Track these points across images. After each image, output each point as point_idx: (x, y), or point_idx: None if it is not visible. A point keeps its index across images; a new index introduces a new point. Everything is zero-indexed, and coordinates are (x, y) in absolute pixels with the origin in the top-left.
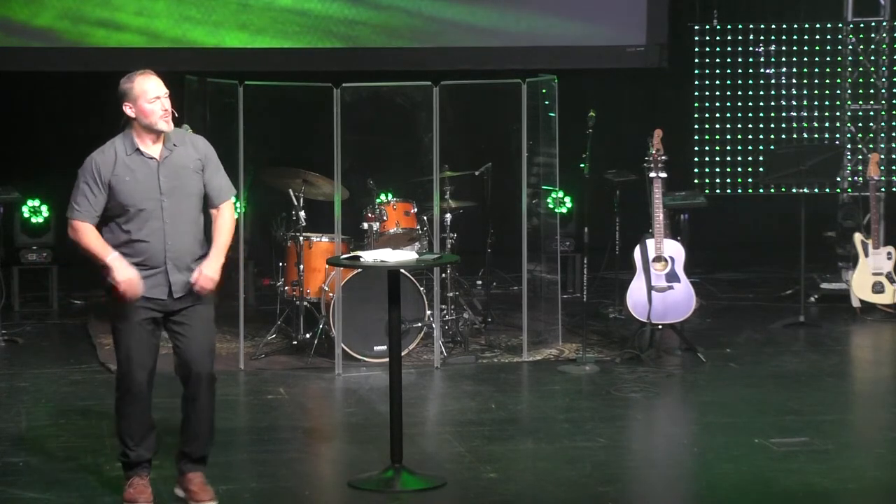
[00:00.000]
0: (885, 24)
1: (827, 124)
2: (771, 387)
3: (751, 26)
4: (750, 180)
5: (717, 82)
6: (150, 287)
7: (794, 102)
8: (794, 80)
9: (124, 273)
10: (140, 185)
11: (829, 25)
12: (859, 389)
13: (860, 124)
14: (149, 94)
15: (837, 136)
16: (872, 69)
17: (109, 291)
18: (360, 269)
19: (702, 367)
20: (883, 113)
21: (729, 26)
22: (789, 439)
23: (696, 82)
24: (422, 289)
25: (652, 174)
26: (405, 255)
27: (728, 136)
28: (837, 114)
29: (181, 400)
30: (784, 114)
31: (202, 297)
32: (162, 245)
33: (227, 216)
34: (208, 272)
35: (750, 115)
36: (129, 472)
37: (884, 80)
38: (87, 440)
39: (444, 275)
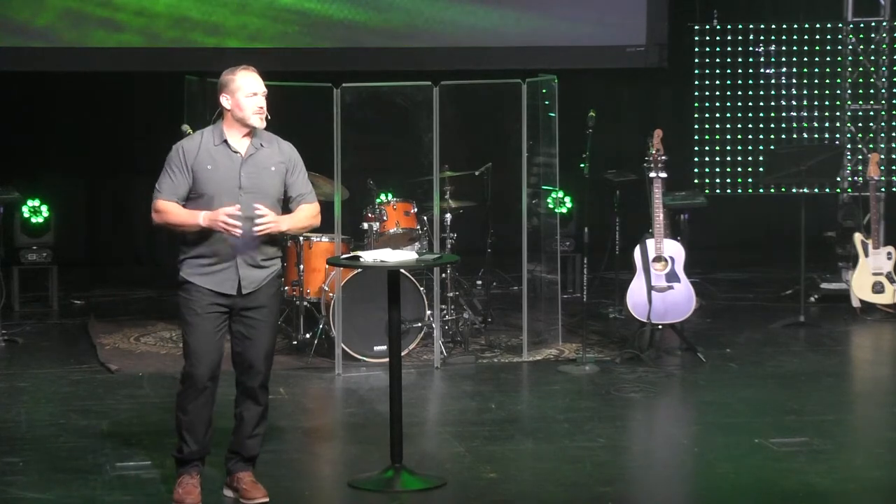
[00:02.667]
0: (885, 24)
1: (827, 124)
2: (771, 387)
3: (751, 26)
4: (750, 180)
5: (717, 82)
6: (219, 281)
7: (794, 102)
8: (794, 80)
9: (220, 214)
10: (220, 176)
11: (829, 25)
12: (859, 389)
13: (860, 124)
14: (247, 88)
15: (837, 136)
16: (872, 69)
17: (181, 285)
18: (360, 269)
19: (702, 367)
20: (883, 113)
21: (729, 26)
22: (789, 439)
23: (696, 82)
24: (422, 289)
25: (652, 174)
26: (405, 255)
27: (728, 136)
28: (837, 114)
29: (235, 398)
30: (784, 114)
31: (270, 299)
32: (234, 239)
33: (312, 208)
34: (273, 218)
35: (750, 115)
36: (180, 469)
37: (884, 80)
38: (87, 440)
39: (444, 275)
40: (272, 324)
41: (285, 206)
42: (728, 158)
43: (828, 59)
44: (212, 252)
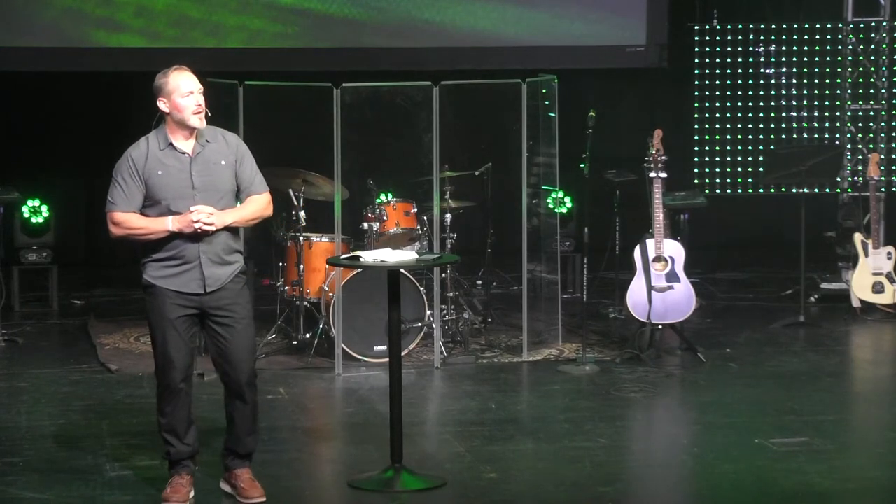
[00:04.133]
0: (885, 24)
1: (827, 124)
2: (771, 387)
3: (751, 26)
4: (750, 180)
5: (717, 82)
6: (185, 282)
7: (794, 102)
8: (794, 80)
9: (190, 217)
10: (172, 180)
11: (829, 25)
12: (859, 389)
13: (860, 124)
14: (182, 88)
15: (837, 136)
16: (872, 69)
17: (147, 289)
18: (360, 269)
19: (702, 367)
20: (883, 113)
21: (729, 26)
22: (789, 439)
23: (696, 82)
24: (422, 289)
25: (652, 174)
26: (405, 255)
27: (728, 136)
28: (837, 114)
29: (224, 398)
30: (784, 114)
31: (238, 295)
32: (196, 239)
33: (262, 199)
34: (212, 212)
35: (750, 115)
36: (170, 469)
37: (884, 80)
38: (87, 440)
39: (444, 275)
40: (247, 318)
41: (237, 198)
42: (728, 158)
43: (828, 59)
44: (175, 254)
